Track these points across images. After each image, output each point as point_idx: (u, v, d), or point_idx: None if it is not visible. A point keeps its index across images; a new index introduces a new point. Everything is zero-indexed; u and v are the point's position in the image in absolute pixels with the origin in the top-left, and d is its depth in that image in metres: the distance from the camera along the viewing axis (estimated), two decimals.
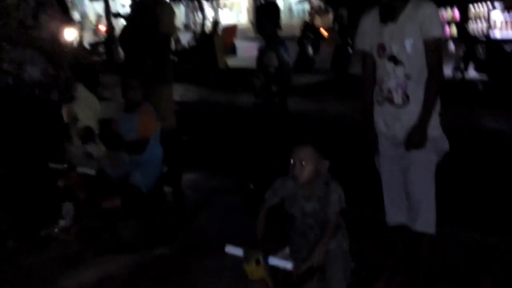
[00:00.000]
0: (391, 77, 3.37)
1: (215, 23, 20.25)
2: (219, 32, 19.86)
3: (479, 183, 5.77)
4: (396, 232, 3.60)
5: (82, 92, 5.36)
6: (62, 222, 4.42)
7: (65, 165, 4.77)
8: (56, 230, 4.41)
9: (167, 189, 4.99)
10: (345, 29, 17.46)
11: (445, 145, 3.43)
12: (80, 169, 4.71)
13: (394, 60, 3.34)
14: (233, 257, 3.00)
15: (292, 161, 3.02)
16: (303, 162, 2.99)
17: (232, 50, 20.35)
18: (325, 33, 18.50)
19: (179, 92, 13.55)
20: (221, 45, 18.60)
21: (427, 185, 3.39)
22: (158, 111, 4.69)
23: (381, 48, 3.40)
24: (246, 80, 4.91)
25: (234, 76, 15.98)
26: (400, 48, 3.31)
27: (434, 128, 3.35)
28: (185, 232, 4.62)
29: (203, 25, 21.45)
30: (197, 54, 18.62)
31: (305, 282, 3.11)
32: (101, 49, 22.38)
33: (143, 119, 4.40)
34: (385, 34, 3.37)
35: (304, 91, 13.24)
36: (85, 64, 6.92)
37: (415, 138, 3.29)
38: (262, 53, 4.91)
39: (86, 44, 23.03)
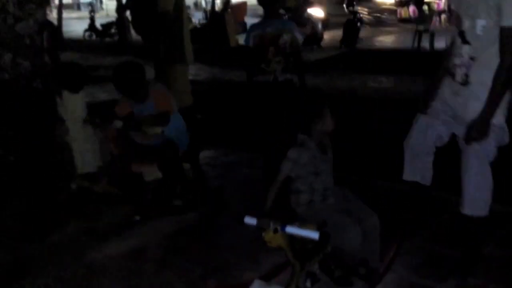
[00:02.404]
0: (457, 53, 3.27)
1: (226, 1, 20.24)
2: (230, 10, 19.85)
3: None
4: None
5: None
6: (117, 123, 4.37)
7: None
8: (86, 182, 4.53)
9: (186, 166, 5.15)
10: (353, 4, 17.55)
11: (506, 137, 3.30)
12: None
13: (462, 36, 3.20)
14: (252, 228, 3.19)
15: (319, 119, 3.29)
16: (330, 119, 3.29)
17: (242, 28, 20.35)
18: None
19: (191, 70, 13.74)
20: (232, 23, 18.64)
21: (477, 173, 3.31)
22: (173, 89, 4.82)
23: (458, 18, 3.26)
24: (260, 64, 5.03)
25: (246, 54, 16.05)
26: (471, 26, 3.13)
27: (497, 116, 3.18)
28: (204, 205, 4.80)
29: (213, 3, 21.49)
30: (208, 32, 18.67)
31: (321, 249, 3.32)
32: (113, 30, 22.44)
33: (157, 102, 4.42)
34: (462, 4, 3.21)
35: (314, 67, 13.34)
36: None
37: (475, 133, 3.17)
38: (275, 33, 4.95)
39: (98, 25, 23.15)
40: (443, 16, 18.78)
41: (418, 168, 3.62)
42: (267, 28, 4.90)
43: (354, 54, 15.47)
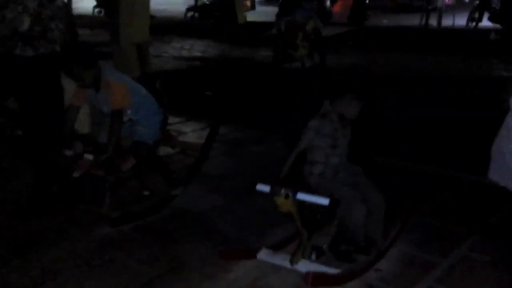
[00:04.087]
0: None
1: None
2: None
3: None
4: None
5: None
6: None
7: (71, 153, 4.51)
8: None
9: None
10: None
11: None
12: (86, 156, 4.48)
13: None
14: (260, 202, 3.29)
15: (349, 98, 3.43)
16: (354, 108, 3.45)
17: (251, 5, 20.28)
18: None
19: (199, 47, 13.77)
20: (240, 0, 18.57)
21: None
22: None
23: None
24: (287, 52, 5.13)
25: (254, 31, 16.05)
26: None
27: None
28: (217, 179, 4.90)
29: None
30: (217, 9, 18.63)
31: (330, 220, 3.42)
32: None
33: (111, 94, 4.27)
34: None
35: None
36: None
37: None
38: (303, 20, 5.11)
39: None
40: None
41: (504, 169, 3.49)
42: (297, 15, 5.11)
43: (362, 31, 15.40)
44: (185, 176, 4.82)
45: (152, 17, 7.72)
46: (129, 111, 4.34)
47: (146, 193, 4.57)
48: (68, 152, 4.29)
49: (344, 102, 3.44)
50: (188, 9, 21.23)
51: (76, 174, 4.41)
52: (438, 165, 4.97)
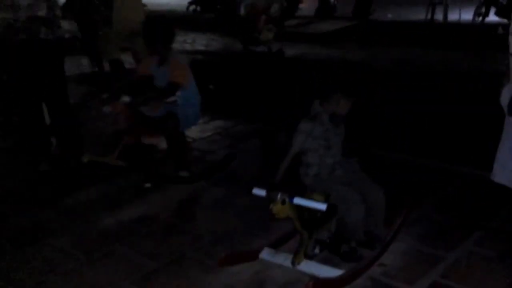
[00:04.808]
0: None
1: None
2: None
3: None
4: None
5: None
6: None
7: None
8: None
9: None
10: None
11: None
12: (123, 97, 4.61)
13: None
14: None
15: (336, 98, 3.32)
16: (344, 103, 3.34)
17: None
18: None
19: (202, 40, 13.73)
20: None
21: None
22: None
23: None
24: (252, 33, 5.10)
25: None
26: None
27: None
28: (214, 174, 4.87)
29: None
30: (219, 3, 18.55)
31: (328, 220, 3.36)
32: None
33: (172, 70, 4.46)
34: None
35: (326, 38, 13.25)
36: None
37: None
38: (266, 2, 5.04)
39: None
40: None
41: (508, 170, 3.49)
42: None
43: (367, 25, 15.34)
44: (206, 170, 4.87)
45: (144, 5, 7.87)
46: (178, 92, 4.48)
47: (147, 185, 4.53)
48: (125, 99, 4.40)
49: (332, 102, 3.34)
50: (190, 3, 21.12)
51: (106, 110, 4.58)
52: (440, 159, 4.93)
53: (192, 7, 20.99)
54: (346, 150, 3.55)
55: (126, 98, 4.37)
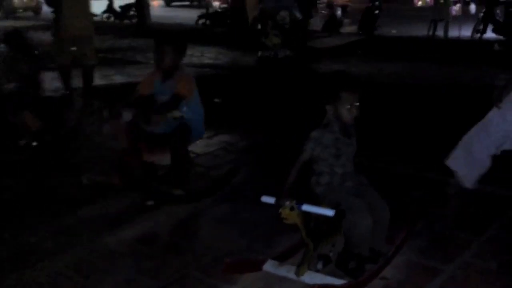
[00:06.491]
0: None
1: None
2: None
3: None
4: None
5: None
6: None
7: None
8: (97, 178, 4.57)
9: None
10: None
11: None
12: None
13: None
14: (267, 211, 3.23)
15: (344, 105, 3.31)
16: (356, 104, 3.32)
17: None
18: None
19: (211, 55, 13.73)
20: (252, 6, 18.51)
21: None
22: None
23: None
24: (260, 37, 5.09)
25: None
26: None
27: None
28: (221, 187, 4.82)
29: None
30: (229, 16, 18.63)
31: (335, 231, 3.33)
32: (132, 12, 22.45)
33: (178, 82, 4.44)
34: None
35: (333, 53, 13.28)
36: None
37: None
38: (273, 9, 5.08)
39: (117, 7, 23.18)
40: (457, 6, 19.19)
41: (467, 160, 3.54)
42: (268, 3, 5.08)
43: (371, 40, 15.46)
44: (206, 188, 4.79)
45: (94, 15, 8.10)
46: (184, 108, 4.46)
47: (149, 203, 4.46)
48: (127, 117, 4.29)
49: (341, 101, 3.32)
50: (200, 16, 21.25)
51: (106, 129, 4.52)
52: (439, 171, 4.85)
53: (201, 21, 21.10)
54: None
55: (127, 116, 4.29)
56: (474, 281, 3.32)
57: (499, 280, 3.32)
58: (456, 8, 19.20)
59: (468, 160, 3.98)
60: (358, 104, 3.32)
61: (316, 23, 16.81)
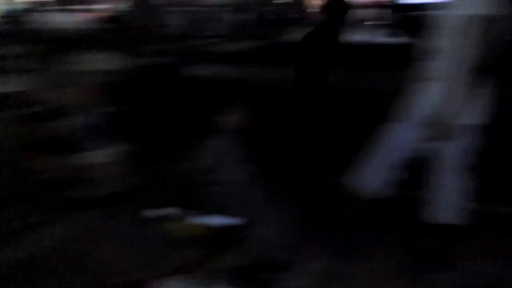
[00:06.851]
0: None
1: None
2: None
3: None
4: None
5: None
6: None
7: None
8: None
9: None
10: None
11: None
12: None
13: None
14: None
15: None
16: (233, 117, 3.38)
17: None
18: None
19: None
20: None
21: None
22: None
23: None
24: None
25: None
26: None
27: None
28: None
29: None
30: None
31: (237, 241, 3.17)
32: None
33: None
34: None
35: (235, 58, 13.21)
36: None
37: None
38: None
39: None
40: None
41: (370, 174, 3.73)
42: None
43: (274, 45, 15.52)
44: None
45: None
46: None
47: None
48: None
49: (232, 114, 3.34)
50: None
51: None
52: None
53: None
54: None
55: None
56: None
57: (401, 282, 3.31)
58: None
59: (368, 170, 3.95)
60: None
61: None
